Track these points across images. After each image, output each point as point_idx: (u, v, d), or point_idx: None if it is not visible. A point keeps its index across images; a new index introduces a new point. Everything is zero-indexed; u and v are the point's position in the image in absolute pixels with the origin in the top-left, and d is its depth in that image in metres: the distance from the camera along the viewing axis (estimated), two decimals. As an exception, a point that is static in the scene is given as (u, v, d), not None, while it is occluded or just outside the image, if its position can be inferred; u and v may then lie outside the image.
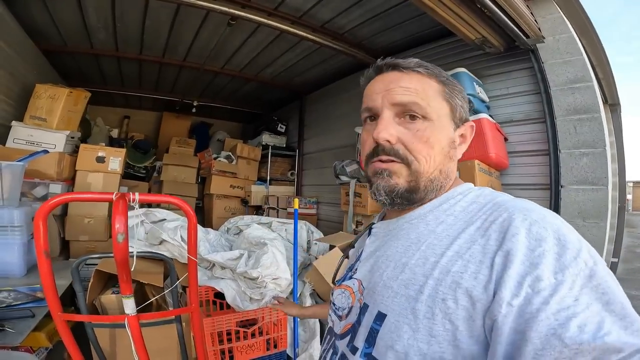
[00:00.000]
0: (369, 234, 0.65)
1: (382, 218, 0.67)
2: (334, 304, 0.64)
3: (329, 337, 0.65)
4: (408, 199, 0.55)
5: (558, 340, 0.35)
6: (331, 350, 0.60)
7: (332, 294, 0.67)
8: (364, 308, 0.54)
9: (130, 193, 1.15)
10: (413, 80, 0.54)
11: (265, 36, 3.14)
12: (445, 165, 0.56)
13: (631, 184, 24.39)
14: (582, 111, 1.93)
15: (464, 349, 0.41)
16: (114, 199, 1.06)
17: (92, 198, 1.11)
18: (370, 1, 2.47)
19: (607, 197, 1.81)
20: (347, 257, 0.71)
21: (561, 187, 1.94)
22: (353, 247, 0.71)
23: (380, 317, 0.49)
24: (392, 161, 0.54)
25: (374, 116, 0.57)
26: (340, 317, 0.61)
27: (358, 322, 0.54)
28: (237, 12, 2.56)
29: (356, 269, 0.62)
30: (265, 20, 2.67)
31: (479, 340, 0.41)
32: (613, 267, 4.38)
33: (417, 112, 0.53)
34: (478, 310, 0.40)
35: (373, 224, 0.66)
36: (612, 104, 4.50)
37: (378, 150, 0.55)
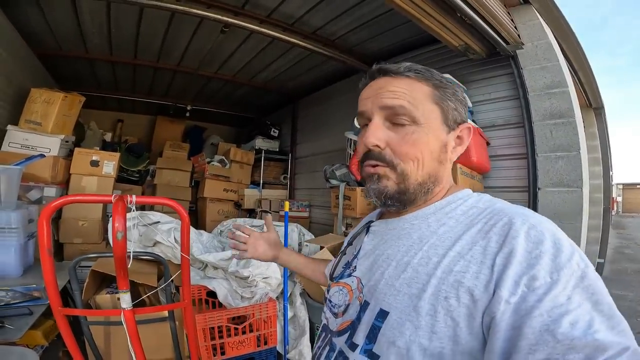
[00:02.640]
0: (367, 231, 0.66)
1: (380, 216, 0.69)
2: (330, 301, 0.65)
3: (324, 334, 0.65)
4: (398, 200, 0.57)
5: (551, 335, 0.36)
6: (327, 347, 0.61)
7: (328, 291, 0.68)
8: (364, 305, 0.55)
9: (128, 195, 1.23)
10: (402, 84, 0.55)
11: (258, 42, 3.21)
12: (434, 169, 0.56)
13: (621, 187, 24.77)
14: (557, 116, 2.03)
15: (463, 344, 0.43)
16: (113, 200, 1.13)
17: (94, 200, 1.18)
18: (360, 9, 2.56)
19: (581, 199, 1.90)
20: (345, 253, 0.72)
21: (538, 189, 2.03)
22: (351, 244, 0.71)
23: (382, 315, 0.51)
24: (379, 165, 0.56)
25: (367, 121, 0.58)
26: (336, 315, 0.62)
27: (358, 319, 0.55)
28: (230, 19, 2.62)
29: (355, 267, 0.63)
30: (258, 28, 2.73)
31: (478, 337, 0.43)
32: (599, 267, 4.48)
33: (405, 115, 0.54)
34: (478, 308, 0.43)
35: (372, 221, 0.67)
36: (596, 108, 4.62)
37: (368, 154, 0.57)
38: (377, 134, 0.55)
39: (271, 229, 0.98)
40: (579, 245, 1.92)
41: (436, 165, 0.57)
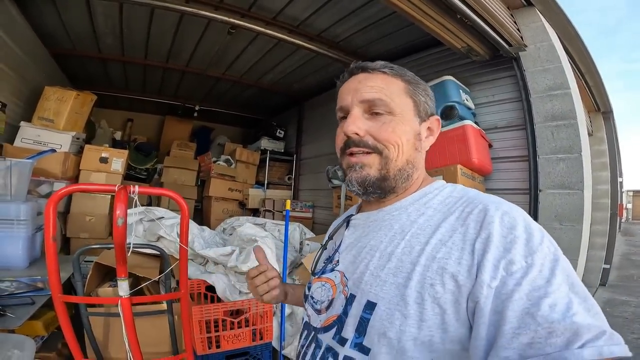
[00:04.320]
0: (347, 225, 0.67)
1: (359, 210, 0.70)
2: (312, 297, 0.64)
3: (306, 331, 0.65)
4: (380, 187, 0.59)
5: (531, 318, 0.38)
6: (313, 345, 0.60)
7: (310, 287, 0.68)
8: (350, 299, 0.55)
9: (131, 185, 1.27)
10: (378, 80, 0.60)
11: (264, 44, 3.26)
12: (411, 156, 0.60)
13: (631, 193, 24.25)
14: (559, 118, 2.02)
15: (452, 332, 0.44)
16: (116, 189, 1.18)
17: (97, 189, 1.23)
18: (364, 11, 2.58)
19: (582, 201, 1.88)
20: (326, 248, 0.72)
21: (539, 191, 2.02)
22: (331, 239, 0.72)
23: (370, 306, 0.51)
24: (364, 153, 0.58)
25: (346, 114, 0.62)
26: (318, 311, 0.61)
27: (345, 313, 0.55)
28: (236, 21, 2.68)
29: (337, 261, 0.63)
30: (264, 30, 2.79)
31: (465, 323, 0.44)
32: (605, 273, 4.40)
33: (382, 107, 0.58)
34: (463, 293, 0.44)
35: (351, 215, 0.69)
36: (605, 112, 4.54)
37: (349, 143, 0.59)
38: (357, 123, 0.58)
39: (266, 262, 0.77)
40: (578, 248, 1.90)
41: (413, 152, 0.60)
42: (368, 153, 0.58)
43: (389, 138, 0.57)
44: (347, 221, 0.69)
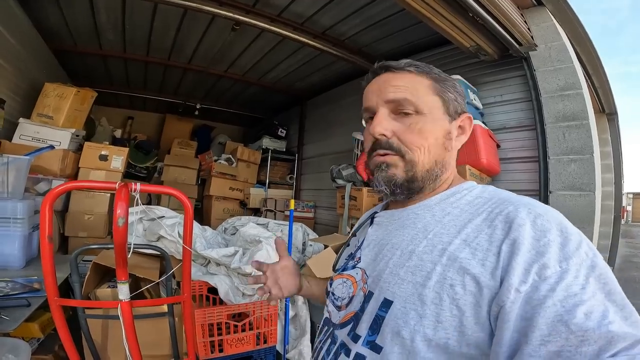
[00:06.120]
0: (371, 223, 0.66)
1: (385, 208, 0.68)
2: (333, 294, 0.64)
3: (325, 327, 0.65)
4: (408, 188, 0.57)
5: (564, 326, 0.36)
6: (329, 340, 0.60)
7: (331, 283, 0.67)
8: (368, 296, 0.55)
9: (132, 183, 1.22)
10: (404, 79, 0.58)
11: (268, 41, 3.22)
12: (440, 156, 0.57)
13: (631, 196, 24.42)
14: (571, 118, 1.98)
15: (469, 335, 0.42)
16: (116, 187, 1.12)
17: (96, 186, 1.18)
18: (370, 9, 2.54)
19: (594, 203, 1.84)
20: (348, 245, 0.72)
21: (550, 192, 1.98)
22: (355, 235, 0.71)
23: (386, 304, 0.50)
24: (388, 154, 0.57)
25: (372, 115, 0.60)
26: (339, 308, 0.61)
27: (362, 310, 0.54)
28: (241, 17, 2.63)
29: (359, 258, 0.63)
30: (268, 26, 2.75)
31: (484, 327, 0.42)
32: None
33: (409, 107, 0.56)
34: (485, 296, 0.42)
35: (376, 212, 0.67)
36: (609, 113, 4.53)
37: (375, 145, 0.58)
38: (384, 124, 0.57)
39: (285, 255, 0.81)
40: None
41: (441, 152, 0.58)
42: (394, 155, 0.57)
43: (414, 141, 0.56)
44: (372, 218, 0.67)
